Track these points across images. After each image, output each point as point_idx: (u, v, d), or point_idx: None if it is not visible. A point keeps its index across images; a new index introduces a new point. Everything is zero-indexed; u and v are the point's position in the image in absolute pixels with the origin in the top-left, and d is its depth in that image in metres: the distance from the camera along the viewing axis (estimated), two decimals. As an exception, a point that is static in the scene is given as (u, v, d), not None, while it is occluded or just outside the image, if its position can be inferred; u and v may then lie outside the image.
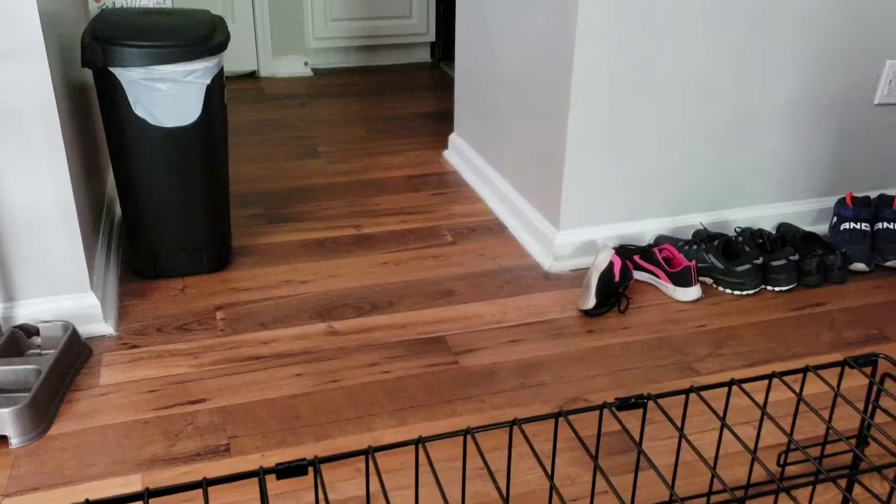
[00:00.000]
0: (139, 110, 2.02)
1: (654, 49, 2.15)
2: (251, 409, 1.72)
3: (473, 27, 2.78)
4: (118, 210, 2.54)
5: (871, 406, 1.07)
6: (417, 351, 1.93)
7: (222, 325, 2.01)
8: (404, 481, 1.54)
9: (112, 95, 2.01)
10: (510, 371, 1.87)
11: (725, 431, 1.58)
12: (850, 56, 2.33)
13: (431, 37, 4.28)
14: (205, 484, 0.73)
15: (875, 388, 1.04)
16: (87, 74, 2.37)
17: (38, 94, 1.75)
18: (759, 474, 1.48)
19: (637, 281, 2.25)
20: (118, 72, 1.98)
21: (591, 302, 2.07)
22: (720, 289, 2.22)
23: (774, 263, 2.20)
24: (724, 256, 2.22)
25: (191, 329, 2.00)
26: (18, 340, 1.85)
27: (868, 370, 1.01)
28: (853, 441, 1.11)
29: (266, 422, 1.68)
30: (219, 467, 1.56)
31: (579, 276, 2.27)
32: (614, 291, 2.12)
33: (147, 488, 0.72)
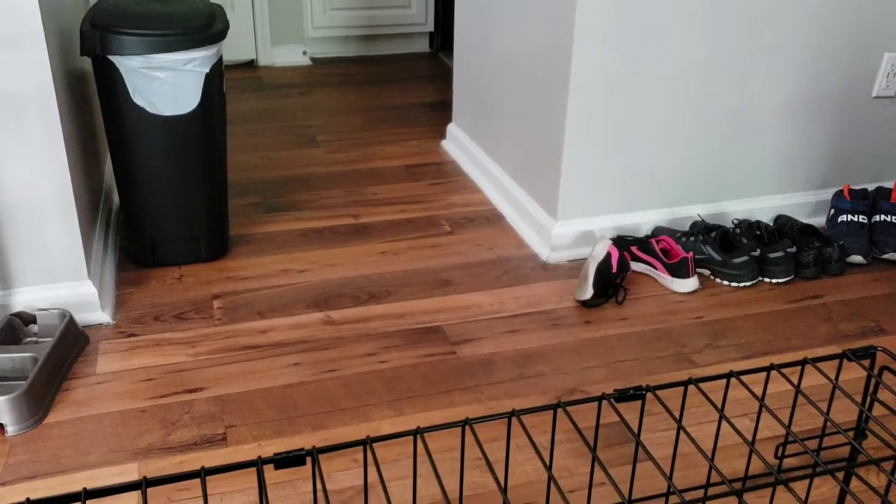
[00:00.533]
0: (138, 98, 2.01)
1: (653, 41, 2.15)
2: (248, 398, 1.72)
3: (472, 18, 2.77)
4: (116, 198, 2.54)
5: (869, 399, 1.07)
6: (415, 341, 1.93)
7: (219, 314, 2.01)
8: (402, 472, 1.54)
9: (111, 83, 2.00)
10: (508, 361, 1.87)
11: (723, 423, 1.58)
12: (848, 49, 2.33)
13: (430, 27, 4.27)
14: (203, 473, 0.73)
15: (873, 380, 1.04)
16: (86, 62, 2.36)
17: (36, 82, 1.74)
18: (756, 466, 1.48)
19: (634, 272, 2.25)
20: (117, 60, 1.97)
21: (588, 293, 2.07)
22: (718, 280, 2.22)
23: (772, 255, 2.20)
24: (721, 248, 2.23)
25: (188, 318, 1.99)
26: (15, 328, 1.84)
27: (866, 363, 1.01)
28: (851, 434, 1.11)
29: (263, 411, 1.68)
30: (215, 456, 1.56)
31: (577, 266, 2.27)
32: (612, 282, 2.12)
33: (145, 477, 0.72)
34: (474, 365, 1.85)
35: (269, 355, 1.86)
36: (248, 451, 1.58)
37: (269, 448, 1.59)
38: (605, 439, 1.62)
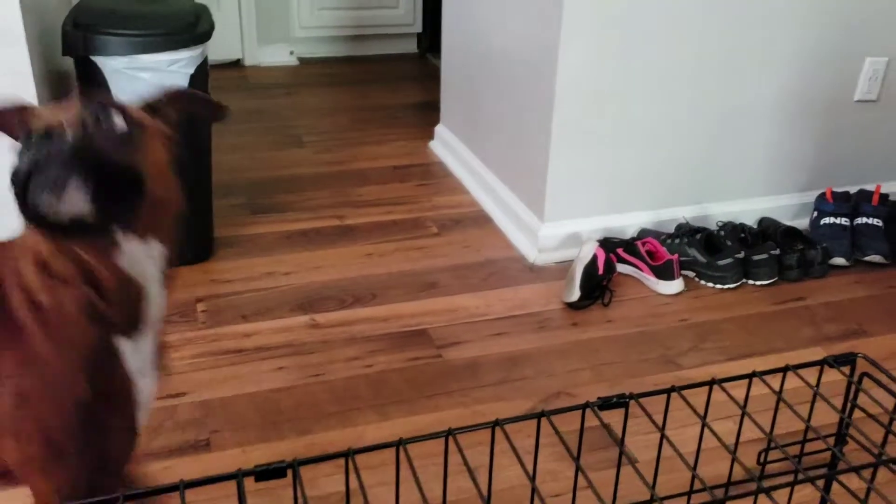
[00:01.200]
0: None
1: (639, 44, 2.15)
2: (232, 403, 1.72)
3: (460, 18, 2.77)
4: (100, 199, 2.52)
5: (849, 405, 1.07)
6: (400, 344, 1.93)
7: (203, 318, 2.00)
8: (385, 478, 1.53)
9: (94, 84, 1.99)
10: (493, 365, 1.87)
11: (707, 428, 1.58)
12: (830, 53, 2.34)
13: (418, 27, 4.26)
14: (182, 487, 0.72)
15: (854, 387, 1.04)
16: (69, 61, 2.34)
17: (16, 82, 1.73)
18: (740, 470, 1.49)
19: (620, 274, 2.25)
20: (100, 60, 1.95)
21: (575, 295, 2.08)
22: (702, 282, 2.23)
23: (756, 258, 2.21)
24: (706, 250, 2.23)
25: (171, 321, 1.98)
26: (-3, 332, 1.83)
27: (847, 369, 1.02)
28: (831, 440, 1.12)
29: (247, 416, 1.68)
30: (199, 462, 1.55)
31: (564, 268, 2.27)
32: (598, 284, 2.12)
33: (122, 493, 0.72)
34: (460, 368, 1.85)
35: (254, 359, 1.86)
36: (232, 457, 1.57)
37: (254, 454, 1.58)
38: (590, 443, 1.62)
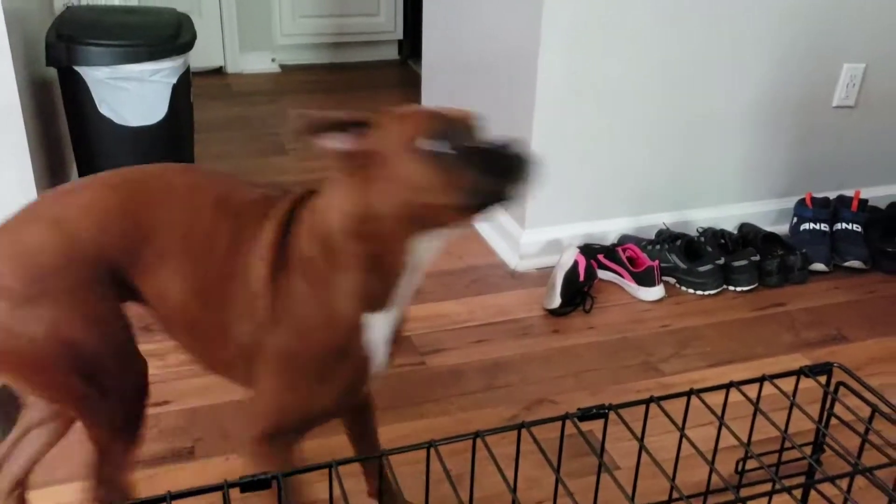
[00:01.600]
0: (104, 109, 2.00)
1: (620, 50, 2.17)
2: (217, 411, 1.72)
3: (440, 25, 2.78)
4: (82, 208, 2.51)
5: (825, 414, 1.09)
6: (384, 352, 1.94)
7: (188, 326, 2.00)
8: (370, 484, 1.54)
9: (77, 94, 2.00)
10: (477, 372, 1.88)
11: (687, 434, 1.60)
12: (809, 59, 2.37)
13: (399, 34, 4.27)
14: (169, 498, 0.73)
15: (830, 397, 1.06)
16: (53, 71, 2.34)
17: (1, 92, 1.73)
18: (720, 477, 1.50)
19: (601, 280, 2.27)
20: (83, 71, 1.96)
21: (556, 301, 2.09)
22: (683, 288, 2.25)
23: (736, 264, 2.23)
24: (686, 256, 2.25)
25: (156, 329, 1.98)
26: (-20, 342, 1.82)
27: (823, 379, 1.03)
28: (807, 449, 1.14)
29: (231, 424, 1.68)
30: (183, 471, 1.56)
31: (545, 274, 2.28)
32: (579, 291, 2.14)
33: (110, 503, 0.73)
34: (444, 375, 1.86)
35: (238, 368, 1.86)
36: (216, 465, 1.58)
37: (238, 462, 1.59)
38: (572, 450, 1.63)
